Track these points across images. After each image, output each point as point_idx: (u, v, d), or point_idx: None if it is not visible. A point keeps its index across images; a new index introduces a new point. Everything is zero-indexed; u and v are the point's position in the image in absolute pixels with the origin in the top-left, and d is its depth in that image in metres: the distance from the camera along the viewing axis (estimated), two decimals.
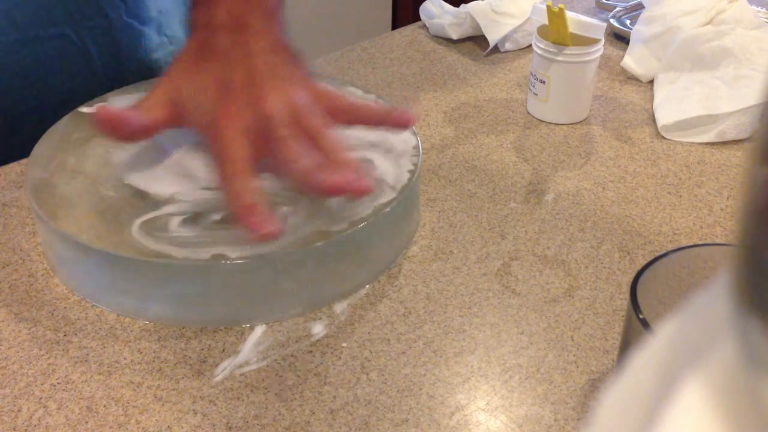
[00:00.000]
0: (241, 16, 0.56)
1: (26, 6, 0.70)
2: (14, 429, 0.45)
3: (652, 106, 0.80)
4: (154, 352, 0.51)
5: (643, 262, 0.49)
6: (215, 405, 0.47)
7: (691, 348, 0.19)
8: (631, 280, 0.40)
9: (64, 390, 0.48)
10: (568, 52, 0.74)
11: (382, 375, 0.49)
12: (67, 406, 0.47)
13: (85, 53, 0.74)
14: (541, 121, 0.78)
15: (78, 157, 0.60)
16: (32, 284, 0.56)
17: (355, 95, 0.69)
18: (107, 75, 0.75)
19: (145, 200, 0.55)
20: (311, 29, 2.21)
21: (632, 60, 0.85)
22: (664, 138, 0.75)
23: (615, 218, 0.64)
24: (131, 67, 0.77)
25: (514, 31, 0.90)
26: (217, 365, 0.50)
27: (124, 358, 0.50)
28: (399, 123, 0.58)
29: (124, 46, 0.76)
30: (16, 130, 0.74)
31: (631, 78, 0.86)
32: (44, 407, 0.47)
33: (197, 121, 0.55)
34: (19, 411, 0.46)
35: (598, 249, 0.60)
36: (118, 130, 0.55)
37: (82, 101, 0.67)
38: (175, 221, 0.54)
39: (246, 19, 0.56)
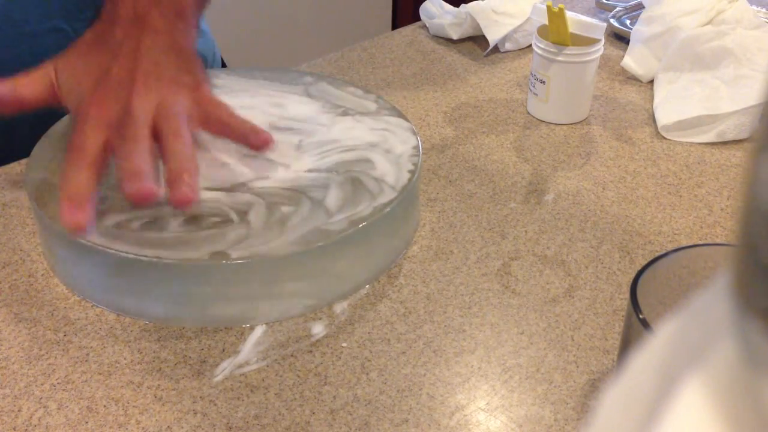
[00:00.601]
0: (144, 12, 0.57)
1: (23, 1, 0.70)
2: (14, 429, 0.45)
3: (652, 106, 0.80)
4: (154, 352, 0.51)
5: (643, 262, 0.49)
6: (215, 405, 0.47)
7: (691, 348, 0.19)
8: (631, 280, 0.40)
9: (64, 390, 0.48)
10: (568, 52, 0.74)
11: (382, 375, 0.49)
12: (67, 406, 0.47)
13: None
14: (541, 121, 0.78)
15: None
16: (32, 284, 0.56)
17: (356, 95, 0.69)
18: None
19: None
20: (311, 29, 2.21)
21: (632, 60, 0.85)
22: (664, 138, 0.75)
23: (615, 218, 0.64)
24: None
25: (514, 31, 0.90)
26: (217, 365, 0.50)
27: (124, 358, 0.50)
28: (254, 145, 0.58)
29: None
30: (14, 126, 0.74)
31: (631, 78, 0.86)
32: (44, 407, 0.47)
33: (70, 104, 0.57)
34: (19, 411, 0.46)
35: (598, 249, 0.60)
36: None
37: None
38: (175, 222, 0.53)
39: (148, 16, 0.57)
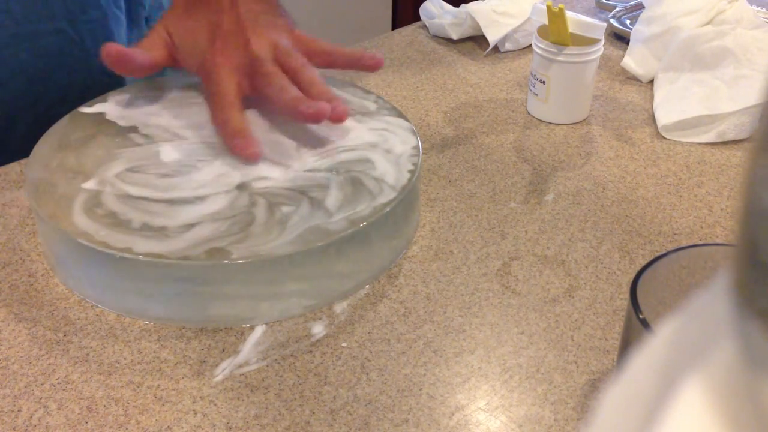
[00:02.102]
0: None
1: (25, 0, 0.70)
2: (14, 429, 0.45)
3: (652, 106, 0.80)
4: (154, 352, 0.51)
5: (643, 262, 0.49)
6: (215, 405, 0.47)
7: (691, 348, 0.19)
8: (631, 280, 0.40)
9: (64, 390, 0.48)
10: (568, 52, 0.74)
11: (382, 375, 0.49)
12: (67, 406, 0.47)
13: (82, 48, 0.74)
14: (541, 121, 0.78)
15: (78, 157, 0.60)
16: (32, 284, 0.56)
17: (356, 95, 0.69)
18: (104, 70, 0.75)
19: (145, 200, 0.55)
20: (311, 29, 2.21)
21: (632, 60, 0.85)
22: (664, 138, 0.75)
23: (615, 218, 0.64)
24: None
25: (514, 31, 0.90)
26: (217, 365, 0.50)
27: (124, 358, 0.50)
28: (369, 66, 0.64)
29: (120, 41, 0.77)
30: (15, 125, 0.74)
31: (631, 78, 0.86)
32: (44, 407, 0.47)
33: (191, 61, 0.63)
34: (19, 411, 0.46)
35: (598, 249, 0.60)
36: (124, 66, 0.61)
37: (80, 96, 0.67)
38: (175, 222, 0.54)
39: None
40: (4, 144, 0.72)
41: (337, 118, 0.58)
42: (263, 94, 0.60)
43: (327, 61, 0.64)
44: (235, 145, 0.57)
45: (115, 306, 0.54)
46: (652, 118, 0.78)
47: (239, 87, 0.60)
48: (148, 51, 0.63)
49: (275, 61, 0.60)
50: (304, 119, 0.58)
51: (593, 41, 0.75)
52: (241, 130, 0.57)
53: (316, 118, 0.57)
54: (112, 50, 0.61)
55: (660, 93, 0.80)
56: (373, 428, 0.46)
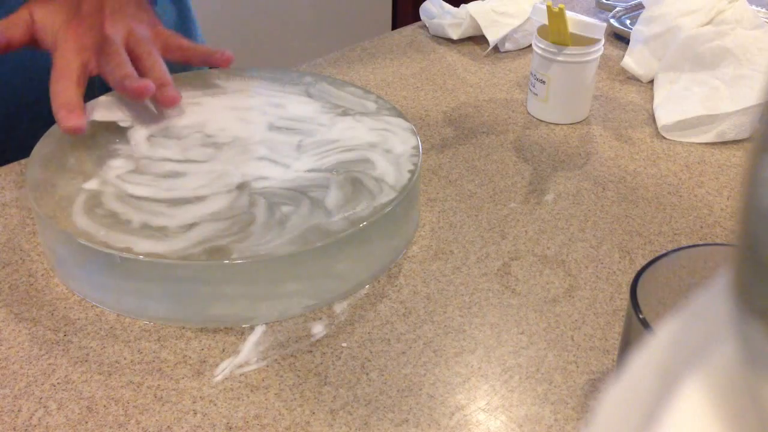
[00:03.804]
0: None
1: None
2: (14, 429, 0.45)
3: (652, 106, 0.80)
4: (154, 352, 0.51)
5: (643, 262, 0.49)
6: (215, 405, 0.47)
7: (691, 348, 0.19)
8: (631, 280, 0.40)
9: (64, 390, 0.48)
10: (568, 52, 0.74)
11: (382, 375, 0.49)
12: (67, 406, 0.47)
13: None
14: (541, 121, 0.78)
15: (78, 157, 0.60)
16: (32, 284, 0.56)
17: (356, 95, 0.69)
18: None
19: (145, 200, 0.55)
20: (311, 29, 2.21)
21: (632, 60, 0.85)
22: (664, 138, 0.75)
23: (615, 218, 0.64)
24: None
25: (514, 31, 0.90)
26: (217, 365, 0.50)
27: (124, 358, 0.50)
28: (218, 62, 0.66)
29: None
30: (16, 124, 0.74)
31: (631, 78, 0.86)
32: (44, 407, 0.47)
33: (47, 41, 0.64)
34: (19, 411, 0.46)
35: (598, 249, 0.60)
36: None
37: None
38: (175, 222, 0.54)
39: None
40: (5, 143, 0.72)
41: (167, 101, 0.61)
42: (102, 72, 0.62)
43: (182, 56, 0.66)
44: (60, 117, 0.58)
45: (115, 306, 0.54)
46: (652, 118, 0.78)
47: (83, 64, 0.61)
48: (3, 31, 0.64)
49: (124, 46, 0.62)
50: (129, 95, 0.60)
51: (593, 41, 0.75)
52: (69, 103, 0.58)
53: (139, 94, 0.59)
54: None
55: (660, 93, 0.80)
56: (373, 428, 0.46)
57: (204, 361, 0.50)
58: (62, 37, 0.62)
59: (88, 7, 0.63)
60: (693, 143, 0.75)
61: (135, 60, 0.62)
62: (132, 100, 0.62)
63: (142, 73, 0.62)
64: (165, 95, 0.60)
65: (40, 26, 0.64)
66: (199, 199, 0.55)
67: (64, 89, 0.59)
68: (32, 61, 0.72)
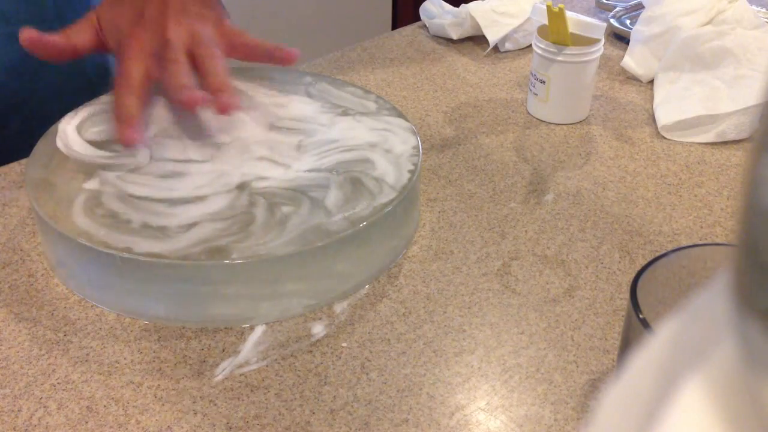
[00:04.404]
0: None
1: (18, 2, 0.70)
2: (14, 429, 0.45)
3: (652, 106, 0.80)
4: (154, 352, 0.51)
5: (643, 262, 0.49)
6: (215, 405, 0.47)
7: (691, 348, 0.19)
8: (631, 280, 0.40)
9: (64, 390, 0.48)
10: (568, 52, 0.74)
11: (382, 375, 0.49)
12: (67, 406, 0.47)
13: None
14: (541, 121, 0.78)
15: (78, 156, 0.60)
16: (32, 284, 0.56)
17: (356, 95, 0.69)
18: (96, 68, 0.76)
19: (145, 200, 0.55)
20: (311, 29, 2.21)
21: (632, 60, 0.85)
22: (664, 138, 0.75)
23: (615, 218, 0.64)
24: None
25: (514, 31, 0.90)
26: (217, 365, 0.50)
27: (124, 358, 0.50)
28: (280, 59, 0.64)
29: None
30: (7, 124, 0.74)
31: (631, 78, 0.86)
32: (44, 407, 0.47)
33: (112, 44, 0.63)
34: (19, 411, 0.46)
35: (598, 249, 0.60)
36: (41, 50, 0.62)
37: (72, 95, 0.67)
38: (175, 222, 0.54)
39: None
40: (4, 145, 0.72)
41: (221, 108, 0.58)
42: (160, 78, 0.61)
43: (247, 54, 0.65)
44: (118, 129, 0.58)
45: (115, 306, 0.54)
46: (652, 118, 0.78)
47: (146, 71, 0.60)
48: (71, 36, 0.63)
49: (186, 49, 0.61)
50: (178, 104, 0.59)
51: (593, 41, 0.75)
52: (128, 117, 0.58)
53: (188, 106, 0.58)
54: (27, 35, 0.61)
55: (660, 93, 0.80)
56: (373, 428, 0.46)
57: (204, 361, 0.50)
58: (126, 43, 0.61)
59: (152, 10, 0.62)
60: (693, 143, 0.75)
61: (196, 63, 0.61)
62: (184, 109, 0.61)
63: (202, 76, 0.60)
64: (219, 102, 0.58)
65: (107, 32, 0.64)
66: (199, 199, 0.55)
67: (123, 101, 0.59)
68: (22, 62, 0.72)
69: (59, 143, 0.61)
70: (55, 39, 0.63)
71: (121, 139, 0.57)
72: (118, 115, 0.59)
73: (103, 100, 0.67)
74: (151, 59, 0.60)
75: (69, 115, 0.64)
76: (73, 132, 0.62)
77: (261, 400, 0.47)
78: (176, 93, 0.58)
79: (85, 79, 0.74)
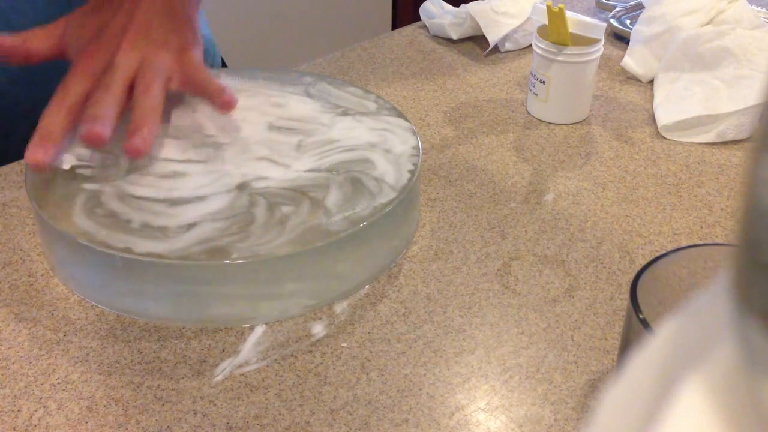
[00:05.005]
0: None
1: (22, 9, 0.70)
2: (14, 429, 0.45)
3: (652, 106, 0.80)
4: (154, 352, 0.51)
5: (643, 262, 0.49)
6: (215, 405, 0.47)
7: (691, 348, 0.19)
8: (631, 280, 0.40)
9: (64, 390, 0.48)
10: (568, 52, 0.74)
11: (382, 375, 0.49)
12: (67, 406, 0.47)
13: None
14: (541, 121, 0.78)
15: (78, 157, 0.60)
16: (32, 284, 0.56)
17: (356, 95, 0.69)
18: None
19: (145, 200, 0.55)
20: (311, 29, 2.21)
21: (632, 60, 0.85)
22: (664, 138, 0.75)
23: (615, 218, 0.64)
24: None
25: (514, 31, 0.90)
26: (217, 365, 0.50)
27: (124, 358, 0.50)
28: (217, 105, 0.62)
29: None
30: (13, 132, 0.74)
31: (631, 78, 0.86)
32: (44, 407, 0.47)
33: (71, 57, 0.61)
34: (19, 411, 0.46)
35: (598, 249, 0.60)
36: None
37: None
38: (175, 222, 0.54)
39: None
40: (4, 145, 0.72)
41: (129, 150, 0.55)
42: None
43: (196, 90, 0.62)
44: (29, 145, 0.55)
45: (115, 306, 0.54)
46: (652, 118, 0.78)
47: (83, 93, 0.58)
48: (28, 40, 0.62)
49: (129, 76, 0.58)
50: (81, 138, 0.56)
51: (593, 41, 0.75)
52: (45, 135, 0.55)
53: (83, 138, 0.55)
54: None
55: (660, 93, 0.80)
56: (373, 428, 0.46)
57: (204, 361, 0.50)
58: (76, 59, 0.60)
59: (114, 27, 0.60)
60: (693, 143, 0.75)
61: (134, 93, 0.58)
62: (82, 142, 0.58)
63: (131, 108, 0.58)
64: (128, 143, 0.55)
65: (70, 42, 0.62)
66: (199, 199, 0.55)
67: (50, 117, 0.56)
68: (28, 70, 0.72)
69: None
70: (9, 41, 0.61)
71: (27, 155, 0.54)
72: (38, 130, 0.56)
73: None
74: (94, 80, 0.58)
75: None
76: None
77: (261, 400, 0.47)
78: (84, 122, 0.55)
79: None
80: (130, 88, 0.58)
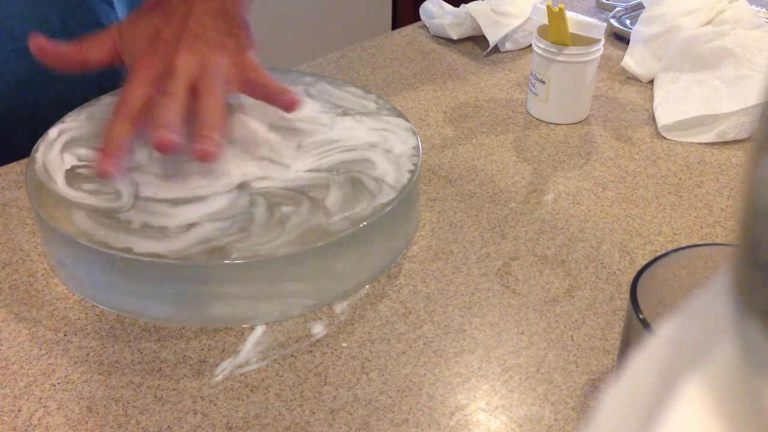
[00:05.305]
0: None
1: (23, 16, 0.70)
2: (14, 429, 0.45)
3: (652, 106, 0.80)
4: (154, 352, 0.51)
5: (643, 262, 0.49)
6: (215, 405, 0.47)
7: (691, 348, 0.19)
8: (631, 280, 0.40)
9: (64, 390, 0.48)
10: (568, 52, 0.74)
11: (382, 375, 0.49)
12: (67, 406, 0.47)
13: None
14: (541, 121, 0.78)
15: (78, 157, 0.60)
16: (32, 284, 0.56)
17: (356, 95, 0.69)
18: (102, 81, 0.75)
19: (145, 200, 0.55)
20: (311, 29, 2.21)
21: (632, 60, 0.85)
22: (664, 138, 0.75)
23: (615, 218, 0.64)
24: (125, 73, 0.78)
25: (514, 31, 0.90)
26: (217, 365, 0.50)
27: (124, 358, 0.50)
28: (281, 105, 0.60)
29: None
30: (14, 135, 0.74)
31: (631, 78, 0.86)
32: (44, 407, 0.47)
33: (128, 62, 0.61)
34: (19, 411, 0.46)
35: (598, 249, 0.60)
36: (51, 58, 0.60)
37: (78, 105, 0.67)
38: (175, 222, 0.54)
39: None
40: (4, 145, 0.72)
41: (198, 155, 0.54)
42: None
43: (257, 93, 0.61)
44: (97, 157, 0.55)
45: (115, 306, 0.54)
46: (652, 118, 0.78)
47: (147, 98, 0.57)
48: (85, 48, 0.61)
49: (191, 80, 0.57)
50: (153, 145, 0.55)
51: (593, 41, 0.75)
52: (114, 146, 0.55)
53: (156, 146, 0.54)
54: (36, 42, 0.59)
55: (660, 93, 0.80)
56: (373, 428, 0.46)
57: (204, 361, 0.50)
58: (135, 66, 0.58)
59: (169, 32, 0.59)
60: (693, 143, 0.75)
61: (196, 97, 0.57)
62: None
63: (195, 113, 0.56)
64: (196, 148, 0.54)
65: (124, 49, 0.61)
66: (199, 199, 0.55)
67: (113, 127, 0.55)
68: (29, 76, 0.72)
69: (38, 171, 0.58)
70: (66, 49, 0.61)
71: (97, 168, 0.54)
72: (105, 141, 0.55)
73: (104, 101, 0.67)
74: (154, 86, 0.57)
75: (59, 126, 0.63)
76: (57, 157, 0.59)
77: (261, 400, 0.47)
78: (153, 129, 0.54)
79: (91, 91, 0.73)
80: (191, 91, 0.57)
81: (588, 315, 0.54)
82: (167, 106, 0.55)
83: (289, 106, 0.60)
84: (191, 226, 0.53)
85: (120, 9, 0.79)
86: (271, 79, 0.60)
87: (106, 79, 0.76)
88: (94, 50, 0.61)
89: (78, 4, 0.75)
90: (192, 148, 0.54)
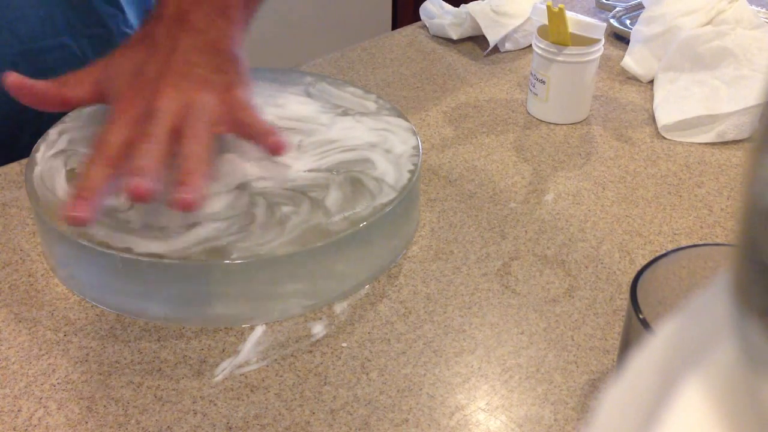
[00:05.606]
0: (187, 11, 0.57)
1: (29, 19, 0.70)
2: (14, 429, 0.45)
3: (652, 106, 0.80)
4: (154, 352, 0.51)
5: (643, 262, 0.49)
6: (215, 405, 0.47)
7: (691, 348, 0.19)
8: (631, 280, 0.40)
9: (64, 390, 0.48)
10: (568, 52, 0.74)
11: (382, 375, 0.49)
12: (67, 406, 0.47)
13: (84, 62, 0.74)
14: (541, 121, 0.78)
15: (78, 156, 0.60)
16: (32, 284, 0.56)
17: (356, 95, 0.69)
18: None
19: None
20: (311, 29, 2.21)
21: (632, 60, 0.85)
22: (664, 138, 0.75)
23: (615, 218, 0.64)
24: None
25: (514, 31, 0.90)
26: (217, 365, 0.50)
27: (124, 358, 0.50)
28: (268, 148, 0.56)
29: None
30: (19, 136, 0.74)
31: (631, 78, 0.86)
32: (44, 407, 0.47)
33: (109, 101, 0.57)
34: (19, 411, 0.46)
35: (598, 249, 0.60)
36: (26, 97, 0.57)
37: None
38: (175, 222, 0.53)
39: (189, 15, 0.57)
40: (4, 145, 0.72)
41: (177, 204, 0.49)
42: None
43: (244, 133, 0.57)
44: (68, 202, 0.50)
45: (115, 306, 0.54)
46: (652, 118, 0.78)
47: (127, 140, 0.52)
48: (64, 86, 0.58)
49: (174, 121, 0.53)
50: (126, 192, 0.50)
51: (593, 41, 0.75)
52: (86, 191, 0.50)
53: (129, 192, 0.49)
54: (12, 79, 0.57)
55: (660, 93, 0.80)
56: (373, 428, 0.46)
57: (204, 361, 0.50)
58: (116, 105, 0.55)
59: (153, 68, 0.55)
60: (693, 143, 0.75)
61: (180, 140, 0.53)
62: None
63: (178, 156, 0.52)
64: (179, 196, 0.49)
65: (107, 85, 0.58)
66: None
67: (89, 169, 0.51)
68: (37, 77, 0.72)
69: (37, 182, 0.57)
70: (44, 86, 0.58)
71: (67, 214, 0.49)
72: (80, 184, 0.51)
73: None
74: (135, 126, 0.53)
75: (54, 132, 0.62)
76: (57, 157, 0.59)
77: (261, 400, 0.47)
78: (130, 176, 0.50)
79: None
80: (174, 133, 0.53)
81: (588, 315, 0.54)
82: (146, 150, 0.52)
83: (276, 149, 0.56)
84: (191, 226, 0.53)
85: (131, 16, 0.78)
86: (258, 120, 0.57)
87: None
88: (73, 88, 0.58)
89: (83, 6, 0.75)
90: (170, 197, 0.50)
